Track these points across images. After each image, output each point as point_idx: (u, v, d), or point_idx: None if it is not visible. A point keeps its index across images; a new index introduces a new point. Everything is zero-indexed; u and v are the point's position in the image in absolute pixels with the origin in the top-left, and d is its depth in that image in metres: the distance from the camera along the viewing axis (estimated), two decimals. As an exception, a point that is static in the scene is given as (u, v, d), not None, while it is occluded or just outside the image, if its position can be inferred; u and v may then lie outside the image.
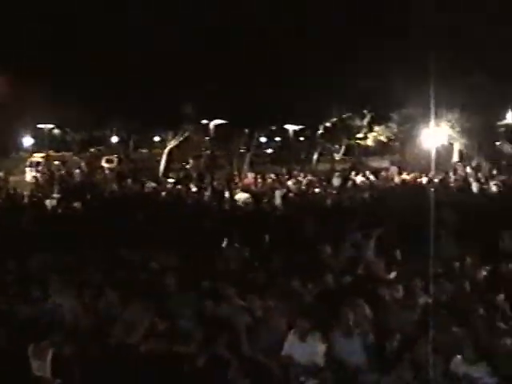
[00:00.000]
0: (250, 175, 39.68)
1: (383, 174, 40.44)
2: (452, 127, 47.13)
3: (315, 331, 10.29)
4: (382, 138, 50.03)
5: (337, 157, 54.00)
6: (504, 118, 55.72)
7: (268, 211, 24.55)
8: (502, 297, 11.78)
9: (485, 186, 32.76)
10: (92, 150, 57.79)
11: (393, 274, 13.63)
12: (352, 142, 51.79)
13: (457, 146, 51.60)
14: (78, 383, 10.75)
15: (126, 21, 33.62)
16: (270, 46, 35.81)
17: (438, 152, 42.56)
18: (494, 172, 42.95)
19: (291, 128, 47.88)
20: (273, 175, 38.26)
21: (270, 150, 66.73)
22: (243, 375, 10.34)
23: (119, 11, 33.81)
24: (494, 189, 32.20)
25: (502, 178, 38.53)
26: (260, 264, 14.61)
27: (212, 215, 21.79)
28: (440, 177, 36.91)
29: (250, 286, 12.52)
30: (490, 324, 10.41)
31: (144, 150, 61.26)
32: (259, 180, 36.90)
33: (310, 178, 37.77)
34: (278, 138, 64.12)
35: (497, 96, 48.10)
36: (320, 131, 46.83)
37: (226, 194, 29.79)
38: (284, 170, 42.74)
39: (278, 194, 29.19)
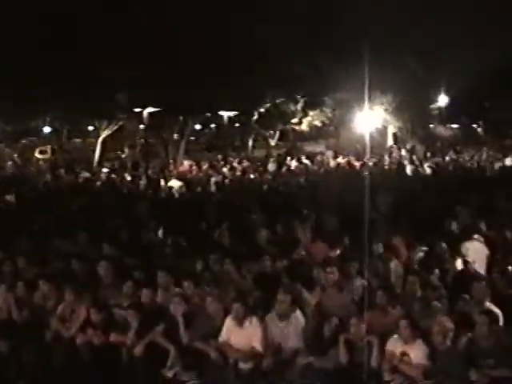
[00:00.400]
0: (186, 163, 39.60)
1: (318, 158, 40.70)
2: (386, 111, 47.59)
3: (252, 316, 10.32)
4: (317, 123, 50.27)
5: (272, 142, 54.09)
6: (436, 101, 56.55)
7: (204, 198, 24.50)
8: (436, 276, 11.96)
9: (419, 169, 33.22)
10: (24, 141, 56.77)
11: (330, 257, 13.72)
12: (287, 127, 51.94)
13: (391, 130, 52.21)
14: (14, 379, 10.65)
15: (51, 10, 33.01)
16: (204, 31, 35.64)
17: (372, 135, 43.06)
18: (429, 154, 43.64)
19: (226, 114, 47.82)
20: (208, 162, 38.30)
21: (204, 137, 66.50)
22: (181, 362, 10.35)
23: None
24: (428, 171, 32.69)
25: (436, 160, 39.19)
26: (196, 251, 14.55)
27: (147, 204, 21.60)
28: (375, 160, 37.35)
29: (186, 273, 12.47)
30: (426, 303, 10.58)
31: (78, 140, 60.51)
32: (194, 167, 36.83)
33: (245, 164, 37.82)
34: (212, 125, 63.89)
35: (429, 79, 48.79)
36: (255, 117, 46.84)
37: (162, 183, 29.64)
38: (219, 157, 42.74)
39: (213, 181, 29.19)
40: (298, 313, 10.50)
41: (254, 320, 10.29)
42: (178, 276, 12.09)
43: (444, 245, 13.94)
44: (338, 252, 14.09)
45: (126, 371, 10.59)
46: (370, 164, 34.13)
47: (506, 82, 60.09)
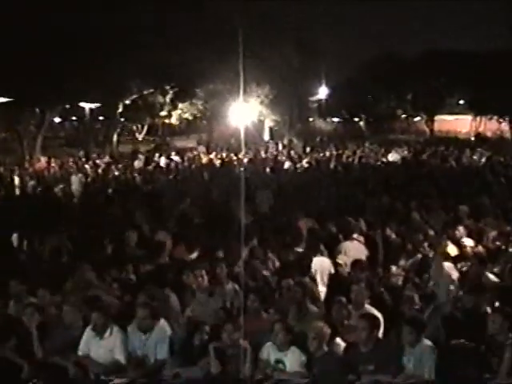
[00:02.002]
0: (43, 159, 38.90)
1: (189, 154, 40.80)
2: (262, 103, 48.11)
3: (113, 326, 10.23)
4: (188, 116, 50.36)
5: (139, 137, 53.86)
6: (316, 94, 57.53)
7: (63, 198, 24.22)
8: (311, 278, 12.16)
9: (298, 165, 33.72)
10: None
11: (195, 259, 13.80)
12: (155, 120, 51.80)
13: (267, 123, 52.85)
14: None
15: None
16: (64, 17, 35.12)
17: (247, 130, 43.49)
18: (308, 149, 44.36)
19: (87, 106, 47.18)
20: (71, 159, 37.87)
21: (64, 132, 65.70)
22: (36, 380, 10.16)
23: None
24: (306, 167, 33.25)
25: (316, 155, 39.89)
26: (53, 256, 14.35)
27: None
28: (250, 156, 37.71)
29: (41, 280, 12.26)
30: (301, 307, 10.75)
31: None
32: (53, 164, 36.23)
33: (108, 160, 37.49)
34: (73, 118, 63.05)
35: (308, 70, 49.61)
36: (119, 109, 46.41)
37: (16, 181, 29.14)
38: (81, 153, 42.21)
39: (74, 179, 28.77)
40: (163, 323, 10.46)
41: (115, 330, 10.20)
42: (31, 284, 11.89)
43: (322, 246, 14.27)
44: (207, 254, 14.13)
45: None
46: (245, 160, 34.43)
47: (389, 74, 61.97)
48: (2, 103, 38.58)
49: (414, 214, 17.81)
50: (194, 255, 14.21)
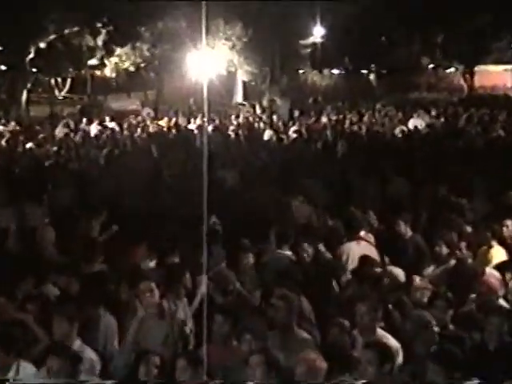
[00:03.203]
0: None
1: (131, 120, 40.69)
2: (233, 49, 47.92)
3: (20, 362, 10.22)
4: (128, 66, 50.17)
5: (59, 95, 53.68)
6: (311, 35, 56.93)
7: None
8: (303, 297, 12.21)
9: (283, 136, 33.55)
10: None
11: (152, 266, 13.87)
12: (82, 72, 51.60)
13: (240, 77, 52.71)
14: None
15: None
16: None
17: (212, 85, 43.50)
18: (296, 113, 44.20)
19: (-16, 52, 47.10)
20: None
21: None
22: None
23: None
24: (294, 137, 33.08)
25: (307, 121, 39.69)
26: None
27: None
28: (216, 122, 37.75)
29: None
30: (285, 333, 10.83)
31: None
32: None
33: (15, 128, 37.41)
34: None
35: (298, 4, 49.14)
36: (30, 55, 46.16)
37: None
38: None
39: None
40: (91, 355, 10.49)
41: (24, 368, 10.16)
42: None
43: (322, 247, 14.39)
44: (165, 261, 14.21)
45: None
46: (209, 128, 34.42)
47: (410, 8, 61.49)
48: None
49: (456, 199, 17.85)
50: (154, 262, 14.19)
